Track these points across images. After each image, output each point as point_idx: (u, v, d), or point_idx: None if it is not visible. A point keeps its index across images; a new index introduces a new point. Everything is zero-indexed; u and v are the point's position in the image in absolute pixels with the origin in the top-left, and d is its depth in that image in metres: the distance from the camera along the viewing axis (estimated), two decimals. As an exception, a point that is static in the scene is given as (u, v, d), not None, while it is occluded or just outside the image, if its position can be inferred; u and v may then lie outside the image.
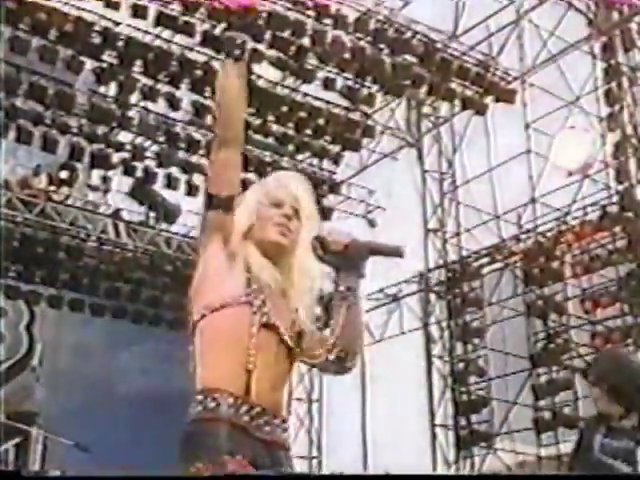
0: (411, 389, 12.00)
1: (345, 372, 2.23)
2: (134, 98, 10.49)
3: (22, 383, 11.41)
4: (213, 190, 2.08)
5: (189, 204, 11.44)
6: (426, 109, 12.86)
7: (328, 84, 10.69)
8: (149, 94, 10.23)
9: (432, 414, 11.79)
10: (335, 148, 11.90)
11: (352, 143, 11.65)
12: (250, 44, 2.03)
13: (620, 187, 9.88)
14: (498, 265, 11.70)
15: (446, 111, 12.52)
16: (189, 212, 11.54)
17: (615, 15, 10.35)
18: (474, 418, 11.27)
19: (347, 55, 10.12)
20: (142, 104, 10.60)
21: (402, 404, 11.70)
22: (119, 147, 10.68)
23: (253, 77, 10.79)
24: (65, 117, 10.11)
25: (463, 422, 11.26)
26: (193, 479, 1.93)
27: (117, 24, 9.68)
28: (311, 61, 10.30)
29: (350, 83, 10.87)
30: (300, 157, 12.20)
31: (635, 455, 3.21)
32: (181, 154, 10.90)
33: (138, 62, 9.92)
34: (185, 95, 10.41)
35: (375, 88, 10.97)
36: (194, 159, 10.86)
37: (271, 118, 11.02)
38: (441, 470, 11.18)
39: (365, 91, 11.04)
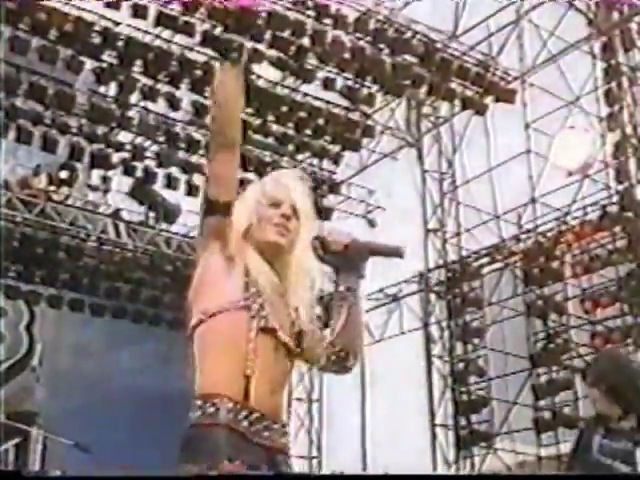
0: (411, 389, 12.00)
1: (345, 372, 2.24)
2: (134, 98, 10.49)
3: (22, 383, 11.41)
4: (212, 195, 2.07)
5: (189, 204, 11.44)
6: (426, 109, 12.87)
7: (328, 84, 10.69)
8: (149, 94, 10.23)
9: (432, 414, 11.79)
10: (335, 148, 11.89)
11: (352, 143, 11.65)
12: (248, 45, 2.02)
13: (620, 187, 9.88)
14: (498, 265, 11.70)
15: (446, 111, 12.52)
16: (189, 212, 11.54)
17: (615, 15, 10.34)
18: (474, 418, 11.27)
19: (347, 55, 10.11)
20: (142, 104, 10.59)
21: (402, 404, 11.70)
22: (119, 147, 10.68)
23: (253, 77, 10.80)
24: (65, 117, 10.11)
25: (463, 422, 11.26)
26: (193, 479, 1.94)
27: (117, 24, 9.68)
28: (311, 61, 10.29)
29: (350, 83, 10.87)
30: (300, 157, 12.20)
31: (634, 456, 3.21)
32: (181, 154, 10.90)
33: (138, 62, 9.92)
34: (185, 95, 10.41)
35: (375, 88, 10.97)
36: (194, 159, 10.86)
37: (271, 118, 11.02)
38: (441, 470, 11.18)
39: (365, 91, 11.04)
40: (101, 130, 10.43)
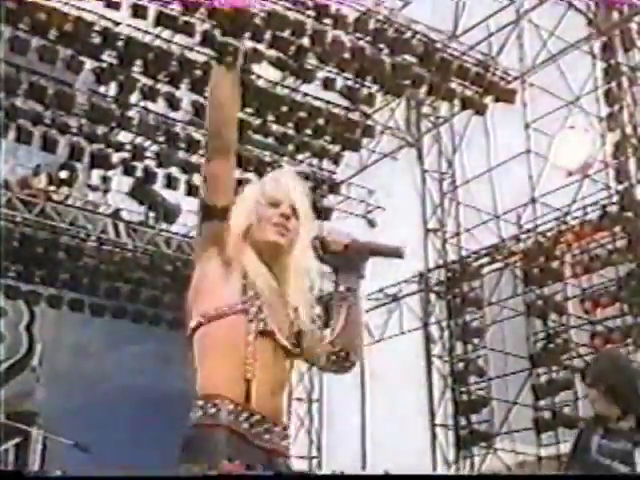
0: (411, 389, 12.00)
1: (345, 372, 2.24)
2: (134, 98, 10.49)
3: (22, 383, 11.41)
4: (209, 200, 2.07)
5: (189, 204, 11.44)
6: (426, 109, 12.87)
7: (328, 84, 10.69)
8: (149, 94, 10.22)
9: (432, 414, 11.79)
10: (335, 148, 11.89)
11: (352, 143, 11.65)
12: (248, 45, 2.02)
13: (620, 187, 9.88)
14: (498, 265, 11.70)
15: (446, 111, 12.52)
16: (189, 212, 11.54)
17: (615, 15, 10.34)
18: (474, 418, 11.27)
19: (347, 55, 10.11)
20: (142, 104, 10.60)
21: (402, 404, 11.69)
22: (119, 147, 10.68)
23: (253, 77, 10.80)
24: (65, 117, 10.11)
25: (463, 422, 11.26)
26: (193, 479, 1.94)
27: (117, 24, 9.68)
28: (311, 61, 10.29)
29: (350, 83, 10.87)
30: (300, 157, 12.20)
31: (632, 456, 3.21)
32: (181, 154, 10.90)
33: (138, 62, 9.91)
34: (185, 95, 10.41)
35: (375, 88, 10.97)
36: (194, 159, 10.85)
37: (271, 118, 11.02)
38: (441, 470, 11.18)
39: (365, 91, 11.04)
40: (101, 130, 10.43)
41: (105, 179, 11.39)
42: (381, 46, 10.30)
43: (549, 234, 10.75)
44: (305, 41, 9.87)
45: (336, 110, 11.39)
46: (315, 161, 12.46)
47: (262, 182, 2.29)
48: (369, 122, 11.93)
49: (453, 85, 10.98)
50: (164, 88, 10.21)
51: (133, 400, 11.29)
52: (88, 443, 6.67)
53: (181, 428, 2.05)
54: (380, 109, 12.34)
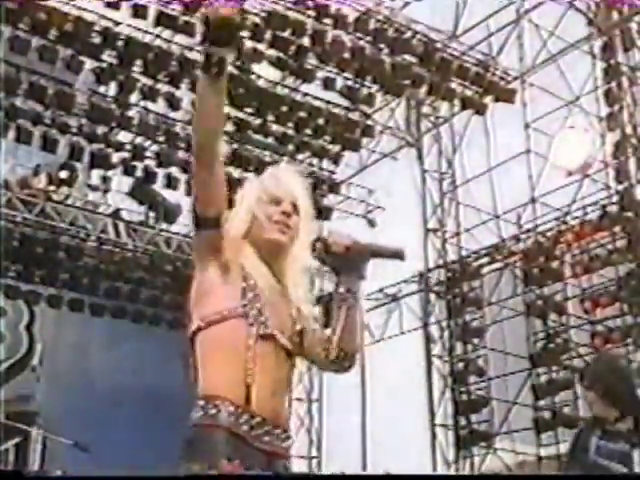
0: (411, 389, 12.00)
1: (344, 371, 2.25)
2: (134, 98, 10.49)
3: (22, 383, 11.41)
4: (199, 212, 2.07)
5: (189, 204, 11.42)
6: (426, 109, 12.87)
7: (328, 84, 10.69)
8: (149, 94, 10.22)
9: (432, 414, 11.80)
10: (335, 148, 11.89)
11: (352, 143, 11.65)
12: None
13: (620, 187, 9.88)
14: (498, 265, 11.70)
15: (446, 111, 12.52)
16: (189, 212, 11.52)
17: (615, 15, 10.34)
18: (474, 418, 11.27)
19: (347, 55, 10.11)
20: (142, 104, 10.60)
21: (402, 404, 11.69)
22: (119, 147, 10.67)
23: (253, 77, 10.81)
24: (65, 117, 10.10)
25: (463, 422, 11.26)
26: (193, 479, 1.95)
27: (117, 24, 9.68)
28: (311, 61, 10.30)
29: (350, 83, 10.87)
30: (300, 157, 12.20)
31: (631, 457, 3.22)
32: (181, 154, 10.89)
33: (138, 62, 9.92)
34: (185, 95, 10.41)
35: (375, 88, 10.97)
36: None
37: (271, 118, 11.02)
38: (441, 470, 11.19)
39: (365, 91, 11.04)
40: (101, 130, 10.43)
41: (105, 179, 11.39)
42: (381, 46, 10.30)
43: (549, 234, 10.75)
44: (305, 41, 9.87)
45: (336, 110, 11.39)
46: (315, 161, 12.46)
47: (262, 179, 2.29)
48: (369, 122, 11.93)
49: (453, 85, 10.98)
50: (164, 88, 10.22)
51: (133, 400, 11.29)
52: (88, 443, 6.67)
53: (181, 428, 2.06)
54: (380, 109, 12.35)
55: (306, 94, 11.33)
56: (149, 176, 10.91)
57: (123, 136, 10.93)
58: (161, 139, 10.73)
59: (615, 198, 10.01)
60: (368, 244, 2.25)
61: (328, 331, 2.22)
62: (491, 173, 11.80)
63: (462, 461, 11.17)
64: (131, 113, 10.59)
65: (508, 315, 11.34)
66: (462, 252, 12.11)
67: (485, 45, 11.41)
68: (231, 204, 2.23)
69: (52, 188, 11.07)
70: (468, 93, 11.13)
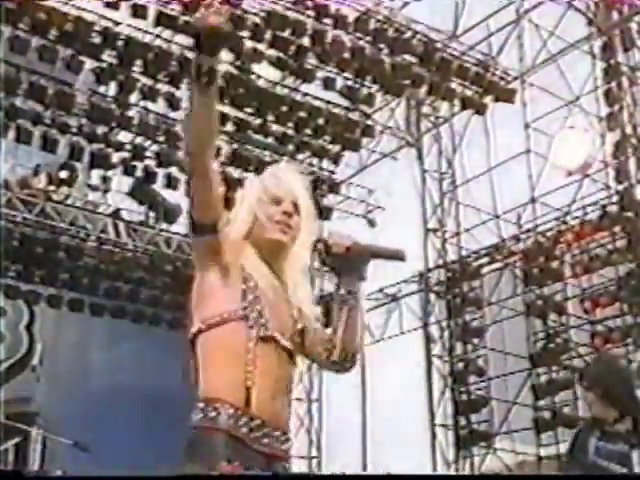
0: (411, 389, 12.00)
1: (346, 371, 2.26)
2: (134, 98, 10.49)
3: (22, 383, 11.41)
4: (196, 219, 2.07)
5: (188, 206, 11.41)
6: (426, 109, 12.86)
7: (328, 84, 10.69)
8: (149, 94, 10.23)
9: (432, 414, 11.79)
10: (335, 148, 11.90)
11: (352, 143, 11.65)
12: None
13: (620, 187, 9.88)
14: (498, 265, 11.70)
15: (446, 111, 12.51)
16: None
17: (615, 15, 10.34)
18: (474, 418, 11.27)
19: (347, 55, 10.12)
20: (142, 104, 10.60)
21: (402, 404, 11.70)
22: (119, 147, 10.67)
23: (253, 77, 10.81)
24: (65, 117, 10.10)
25: (463, 422, 11.26)
26: (193, 479, 1.96)
27: (117, 24, 9.68)
28: (311, 61, 10.30)
29: (350, 83, 10.87)
30: (300, 157, 12.20)
31: (630, 458, 3.22)
32: (181, 154, 10.89)
33: (138, 62, 9.92)
34: (185, 95, 10.40)
35: (375, 88, 10.97)
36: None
37: (271, 118, 11.02)
38: (441, 470, 11.19)
39: (365, 91, 11.04)
40: (101, 130, 10.43)
41: (105, 179, 11.38)
42: (381, 46, 10.30)
43: (549, 234, 10.75)
44: (305, 41, 9.88)
45: (336, 110, 11.39)
46: (315, 161, 12.46)
47: (262, 178, 2.28)
48: (369, 122, 11.93)
49: (453, 85, 10.98)
50: (164, 88, 10.22)
51: (133, 400, 11.29)
52: (88, 443, 6.67)
53: (181, 428, 2.06)
54: (380, 109, 12.35)
55: (306, 94, 11.33)
56: (149, 176, 10.91)
57: (123, 136, 10.92)
58: (161, 139, 10.73)
59: (615, 198, 10.01)
60: (368, 245, 2.25)
61: (329, 331, 2.22)
62: (491, 173, 11.80)
63: (462, 461, 11.17)
64: (131, 113, 10.59)
65: (508, 315, 11.34)
66: (462, 252, 12.11)
67: (485, 45, 11.41)
68: (231, 204, 2.23)
69: (52, 188, 11.06)
70: (468, 93, 11.13)
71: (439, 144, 12.97)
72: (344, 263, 2.21)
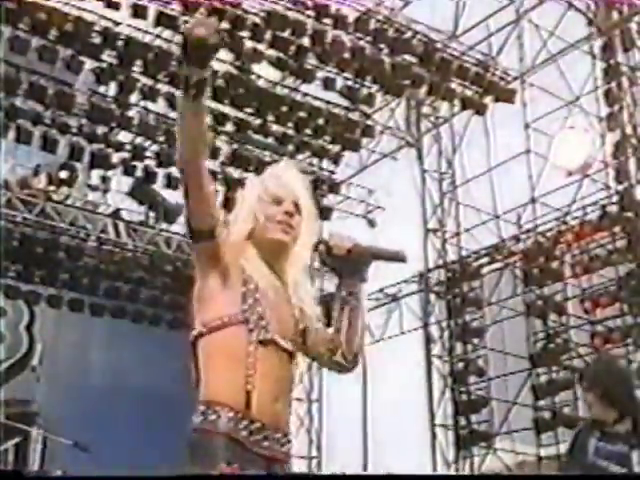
0: (411, 389, 12.00)
1: (348, 372, 2.27)
2: (134, 98, 10.49)
3: (22, 383, 11.40)
4: (194, 225, 2.06)
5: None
6: (426, 109, 12.87)
7: (328, 84, 10.69)
8: (149, 94, 10.23)
9: (432, 414, 11.79)
10: (335, 148, 11.90)
11: (352, 143, 11.65)
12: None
13: (620, 187, 9.88)
14: (498, 265, 11.71)
15: (446, 111, 12.52)
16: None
17: (615, 15, 10.35)
18: (474, 418, 11.27)
19: (347, 55, 10.12)
20: (142, 104, 10.60)
21: (402, 404, 11.70)
22: (119, 147, 10.67)
23: (253, 77, 10.81)
24: (65, 117, 10.10)
25: (463, 422, 11.26)
26: (192, 479, 1.97)
27: (117, 24, 9.68)
28: (311, 61, 10.30)
29: (350, 83, 10.87)
30: (300, 157, 12.19)
31: (630, 459, 3.21)
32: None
33: (138, 62, 9.92)
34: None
35: (375, 88, 10.97)
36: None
37: (271, 118, 11.02)
38: (441, 470, 11.18)
39: (365, 91, 11.04)
40: (101, 130, 10.43)
41: (105, 179, 11.38)
42: (381, 46, 10.30)
43: (549, 234, 10.75)
44: (305, 41, 9.88)
45: (336, 110, 11.39)
46: (315, 161, 12.46)
47: (262, 178, 2.28)
48: (369, 122, 11.93)
49: (453, 85, 10.98)
50: (164, 88, 10.21)
51: (133, 400, 11.29)
52: (88, 443, 6.67)
53: (181, 428, 2.07)
54: (380, 109, 12.35)
55: (306, 94, 11.33)
56: (149, 176, 10.91)
57: (123, 136, 10.92)
58: (161, 139, 10.73)
59: (615, 198, 10.01)
60: (369, 247, 2.25)
61: (331, 330, 2.23)
62: (491, 173, 11.81)
63: (462, 461, 11.17)
64: (131, 113, 10.59)
65: (508, 315, 11.34)
66: (462, 252, 12.11)
67: (485, 45, 11.42)
68: (231, 204, 2.22)
69: (52, 188, 11.06)
70: (468, 93, 11.13)
71: (439, 144, 12.97)
72: (345, 264, 2.22)
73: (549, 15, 10.95)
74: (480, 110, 11.26)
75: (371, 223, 13.09)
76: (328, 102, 11.36)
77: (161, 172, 10.88)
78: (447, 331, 11.99)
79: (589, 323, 10.27)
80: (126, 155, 10.73)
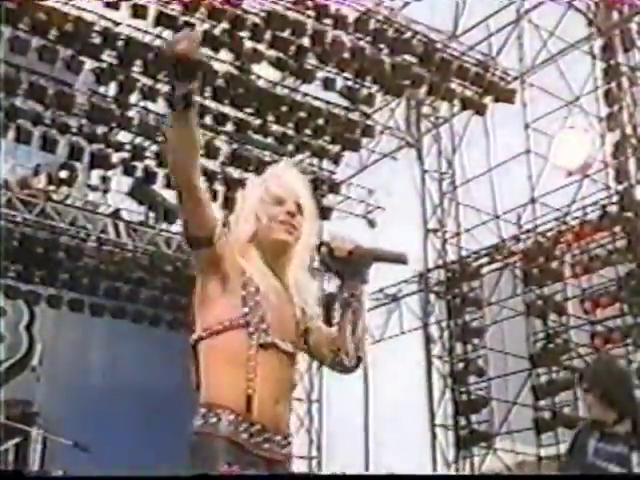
0: (411, 389, 11.99)
1: (350, 372, 2.27)
2: (134, 98, 10.49)
3: (22, 383, 11.41)
4: (191, 234, 2.06)
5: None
6: (426, 109, 12.87)
7: (328, 84, 10.69)
8: (149, 94, 10.22)
9: (432, 414, 11.79)
10: (335, 148, 11.90)
11: (352, 143, 11.65)
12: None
13: (620, 187, 9.88)
14: (498, 265, 11.70)
15: (446, 111, 12.52)
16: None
17: (615, 15, 10.35)
18: (474, 418, 11.27)
19: (347, 55, 10.12)
20: (142, 104, 10.60)
21: (402, 404, 11.69)
22: (119, 147, 10.67)
23: (253, 77, 10.81)
24: (65, 117, 10.10)
25: (463, 422, 11.26)
26: (192, 479, 1.99)
27: (117, 24, 9.68)
28: (311, 61, 10.30)
29: (350, 83, 10.87)
30: (300, 157, 12.19)
31: (629, 460, 3.21)
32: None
33: (138, 62, 9.92)
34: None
35: (375, 88, 10.98)
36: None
37: (271, 118, 11.02)
38: (441, 470, 11.18)
39: (365, 91, 11.04)
40: (101, 130, 10.43)
41: (105, 179, 11.38)
42: (381, 46, 10.30)
43: (549, 234, 10.75)
44: (305, 41, 9.88)
45: (336, 110, 11.39)
46: (315, 161, 12.46)
47: (263, 179, 2.27)
48: (369, 122, 11.93)
49: (453, 85, 10.98)
50: (164, 88, 10.20)
51: (133, 400, 11.29)
52: (88, 443, 6.67)
53: (180, 428, 2.07)
54: (380, 109, 12.34)
55: (306, 94, 11.33)
56: (149, 176, 10.91)
57: (123, 136, 10.92)
58: (161, 139, 10.72)
59: (615, 198, 10.01)
60: (371, 248, 2.25)
61: (333, 330, 2.23)
62: (491, 173, 11.80)
63: (462, 461, 11.17)
64: (131, 113, 10.59)
65: (508, 315, 11.34)
66: (462, 252, 12.11)
67: (485, 45, 11.42)
68: (231, 204, 2.22)
69: (52, 188, 11.06)
70: (468, 93, 11.13)
71: (439, 144, 12.96)
72: (347, 266, 2.22)
73: (549, 15, 10.95)
74: (480, 110, 11.27)
75: (371, 223, 13.09)
76: (328, 102, 11.36)
77: (161, 172, 10.87)
78: (447, 331, 11.99)
79: (589, 323, 10.27)
80: (126, 155, 10.73)
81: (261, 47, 9.87)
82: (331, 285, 9.55)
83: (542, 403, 10.32)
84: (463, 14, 11.54)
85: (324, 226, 10.61)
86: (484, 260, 11.85)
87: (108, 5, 9.14)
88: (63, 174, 10.98)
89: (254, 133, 11.19)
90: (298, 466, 11.89)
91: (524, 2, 11.01)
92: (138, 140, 10.91)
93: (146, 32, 9.98)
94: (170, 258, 11.39)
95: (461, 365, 11.61)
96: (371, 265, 2.24)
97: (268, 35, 9.67)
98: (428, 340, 12.21)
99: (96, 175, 11.69)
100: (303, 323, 2.19)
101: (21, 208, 10.45)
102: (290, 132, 11.33)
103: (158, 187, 11.25)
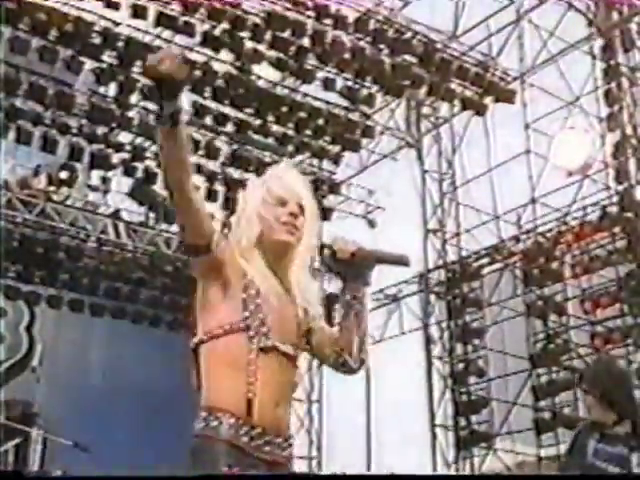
0: (411, 389, 12.00)
1: (353, 373, 2.28)
2: (134, 98, 10.48)
3: (22, 384, 11.40)
4: (189, 242, 2.07)
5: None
6: (426, 109, 12.87)
7: (328, 84, 10.69)
8: (149, 94, 10.22)
9: (432, 414, 11.79)
10: (335, 148, 11.90)
11: (352, 143, 11.65)
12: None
13: (620, 187, 9.88)
14: (498, 265, 11.71)
15: (446, 111, 12.52)
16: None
17: (615, 15, 10.35)
18: (474, 418, 11.27)
19: (347, 55, 10.12)
20: (142, 104, 10.59)
21: (402, 404, 11.69)
22: (119, 147, 10.68)
23: (253, 77, 10.80)
24: (65, 117, 10.10)
25: (463, 422, 11.26)
26: (191, 479, 2.01)
27: (117, 24, 9.68)
28: (311, 61, 10.30)
29: (350, 83, 10.87)
30: (300, 157, 12.19)
31: (629, 461, 3.21)
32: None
33: (138, 62, 9.91)
34: (185, 95, 10.38)
35: (375, 88, 10.98)
36: (193, 159, 10.84)
37: (271, 118, 11.02)
38: (441, 470, 11.18)
39: (365, 91, 11.04)
40: (101, 130, 10.43)
41: (105, 179, 11.38)
42: (381, 46, 10.31)
43: (549, 234, 10.75)
44: (305, 41, 9.88)
45: (336, 110, 11.39)
46: (315, 161, 12.46)
47: (264, 180, 2.27)
48: (369, 122, 11.93)
49: (453, 85, 10.98)
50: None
51: (133, 400, 11.28)
52: (88, 443, 6.67)
53: (180, 428, 2.07)
54: (380, 109, 12.34)
55: (306, 95, 11.33)
56: (149, 176, 10.90)
57: (123, 136, 10.92)
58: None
59: (615, 198, 10.01)
60: (373, 250, 2.25)
61: (335, 330, 2.22)
62: (491, 173, 11.81)
63: (462, 461, 11.17)
64: (131, 113, 10.58)
65: (508, 316, 11.34)
66: (462, 253, 12.11)
67: (485, 45, 11.42)
68: (231, 204, 2.22)
69: (52, 188, 11.06)
70: (468, 94, 11.13)
71: (439, 145, 12.97)
72: (349, 268, 2.22)
73: (549, 15, 10.95)
74: (480, 110, 11.27)
75: (371, 223, 13.09)
76: (328, 102, 11.37)
77: (161, 173, 10.87)
78: (447, 332, 11.99)
79: (589, 323, 10.27)
80: (126, 155, 10.73)
81: (261, 47, 9.87)
82: (332, 285, 9.56)
83: (542, 403, 10.32)
84: (463, 14, 11.54)
85: (324, 227, 10.61)
86: (484, 260, 11.85)
87: (108, 5, 9.14)
88: (63, 174, 10.98)
89: (254, 133, 11.19)
90: (298, 466, 11.89)
91: (524, 2, 11.01)
92: (138, 140, 10.91)
93: (146, 32, 9.98)
94: (170, 258, 11.39)
95: (461, 365, 11.61)
96: (373, 267, 2.24)
97: (268, 35, 9.67)
98: (428, 340, 12.21)
99: (96, 175, 11.69)
100: (305, 323, 2.19)
101: (21, 208, 10.44)
102: (290, 132, 11.33)
103: (158, 187, 11.24)
